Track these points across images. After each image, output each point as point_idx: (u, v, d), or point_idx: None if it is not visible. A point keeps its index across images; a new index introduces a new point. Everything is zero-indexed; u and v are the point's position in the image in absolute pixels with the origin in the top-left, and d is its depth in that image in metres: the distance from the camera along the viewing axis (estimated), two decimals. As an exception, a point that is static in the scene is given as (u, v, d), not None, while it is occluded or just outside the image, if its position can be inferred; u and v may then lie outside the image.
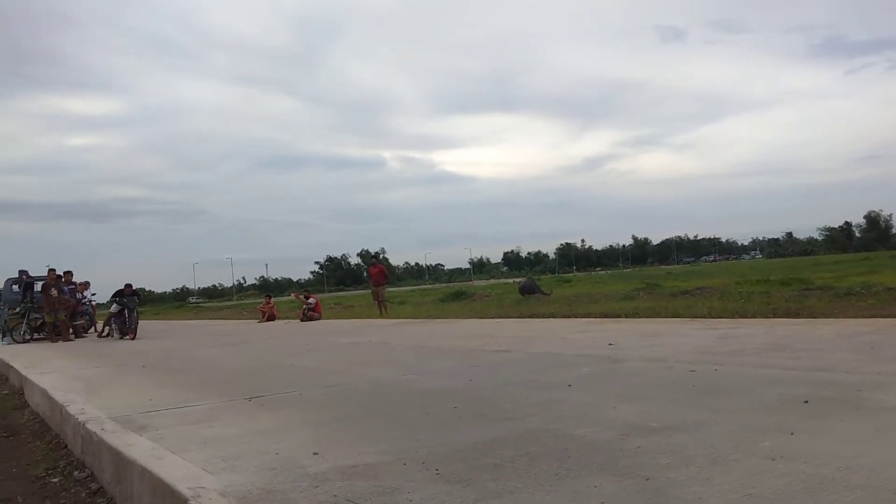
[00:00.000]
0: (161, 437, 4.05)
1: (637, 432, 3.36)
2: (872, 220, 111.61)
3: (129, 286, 16.74)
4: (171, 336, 16.83)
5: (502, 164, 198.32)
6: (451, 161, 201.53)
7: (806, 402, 3.70)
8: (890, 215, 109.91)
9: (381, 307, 19.99)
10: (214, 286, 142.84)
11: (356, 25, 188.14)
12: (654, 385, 4.73)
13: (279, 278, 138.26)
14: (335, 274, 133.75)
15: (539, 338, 8.87)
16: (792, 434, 3.08)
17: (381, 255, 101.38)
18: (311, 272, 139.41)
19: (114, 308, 17.02)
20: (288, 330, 15.78)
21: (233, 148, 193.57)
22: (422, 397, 4.94)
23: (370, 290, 22.67)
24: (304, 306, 19.76)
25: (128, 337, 15.96)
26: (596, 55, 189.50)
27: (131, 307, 16.26)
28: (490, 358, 7.04)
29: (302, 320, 19.10)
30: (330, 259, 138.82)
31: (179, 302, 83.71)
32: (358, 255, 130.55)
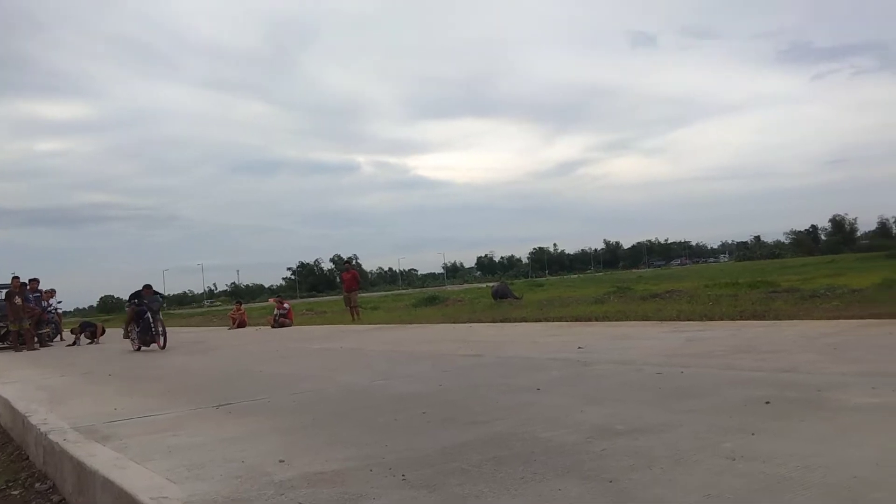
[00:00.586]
0: (125, 446, 3.99)
1: (603, 435, 3.39)
2: (837, 223, 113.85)
3: (148, 287, 13.92)
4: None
5: (476, 168, 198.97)
6: (425, 166, 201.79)
7: (768, 402, 3.76)
8: (855, 219, 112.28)
9: (354, 313, 19.94)
10: (185, 293, 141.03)
11: (330, 30, 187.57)
12: (622, 388, 4.77)
13: (250, 284, 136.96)
14: (307, 280, 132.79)
15: (510, 342, 8.90)
16: (753, 434, 3.13)
17: (354, 261, 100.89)
18: (284, 278, 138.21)
19: (128, 309, 14.44)
20: (259, 337, 15.64)
21: (206, 153, 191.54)
22: (392, 402, 4.92)
23: (342, 296, 22.59)
24: (276, 312, 19.63)
25: (155, 346, 13.16)
26: (568, 60, 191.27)
27: (155, 309, 13.32)
28: (461, 362, 7.04)
29: (273, 327, 18.97)
30: (302, 265, 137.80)
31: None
32: (331, 260, 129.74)
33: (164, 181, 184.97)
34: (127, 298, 14.56)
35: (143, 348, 13.32)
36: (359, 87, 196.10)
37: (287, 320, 19.32)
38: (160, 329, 13.10)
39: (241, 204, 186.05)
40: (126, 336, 13.99)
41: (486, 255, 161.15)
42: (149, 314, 13.15)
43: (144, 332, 13.29)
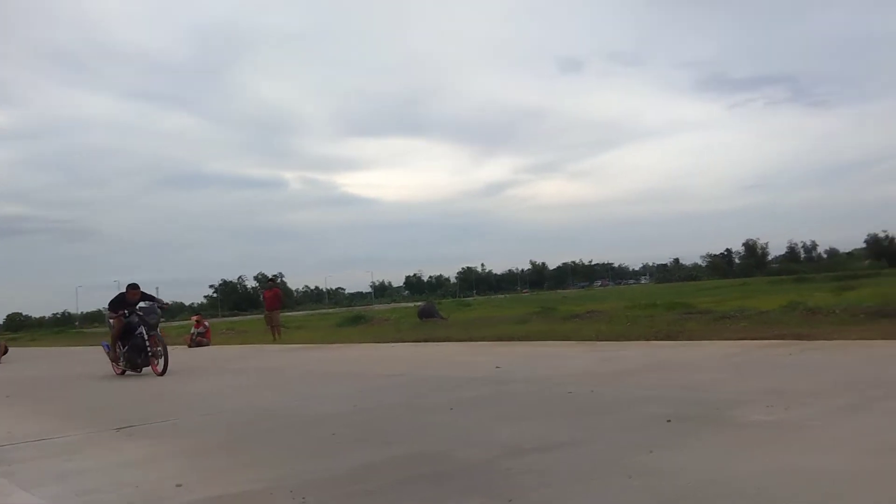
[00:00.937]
0: (12, 472, 3.78)
1: (509, 454, 3.41)
2: (750, 247, 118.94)
3: (134, 289, 10.42)
4: (44, 363, 15.76)
5: (406, 187, 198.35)
6: (355, 183, 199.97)
7: (669, 420, 3.87)
8: (766, 243, 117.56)
9: (275, 332, 19.53)
10: (100, 311, 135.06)
11: (261, 43, 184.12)
12: (533, 406, 4.83)
13: (170, 302, 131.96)
14: (230, 298, 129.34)
15: (430, 362, 8.90)
16: (651, 452, 3.21)
17: (280, 279, 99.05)
18: (205, 296, 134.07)
19: (112, 321, 10.68)
20: (174, 356, 15.08)
21: (130, 165, 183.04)
22: (304, 423, 4.84)
23: (264, 315, 22.11)
24: (194, 331, 19.05)
25: (150, 370, 10.06)
26: (499, 82, 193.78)
27: (152, 323, 10.09)
28: (379, 382, 6.98)
29: (190, 346, 18.37)
30: (225, 282, 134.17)
31: (60, 327, 78.45)
32: (255, 278, 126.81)
33: (84, 193, 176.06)
34: (106, 306, 10.85)
35: (128, 373, 10.31)
36: (289, 103, 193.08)
37: (205, 340, 18.76)
38: (159, 349, 9.96)
39: (164, 218, 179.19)
40: (114, 358, 10.62)
41: (414, 275, 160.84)
42: (142, 329, 9.94)
43: (135, 353, 10.04)
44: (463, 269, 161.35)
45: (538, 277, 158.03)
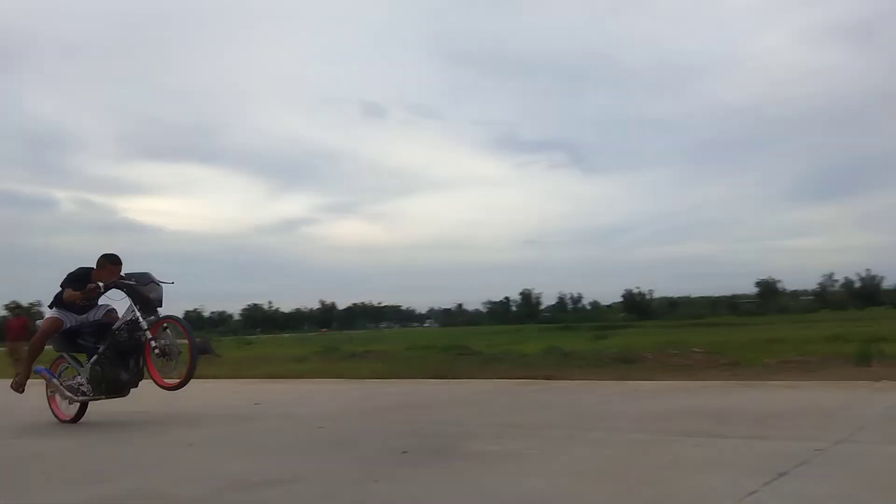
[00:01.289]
0: None
1: (235, 488, 3.27)
2: (526, 296, 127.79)
3: (115, 263, 5.97)
4: None
5: (194, 216, 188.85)
6: (138, 208, 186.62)
7: (405, 452, 3.95)
8: (540, 293, 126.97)
9: (19, 366, 17.35)
10: None
11: (39, 51, 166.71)
12: (279, 441, 4.70)
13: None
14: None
15: (185, 398, 8.32)
16: (377, 481, 3.24)
17: (36, 308, 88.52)
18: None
19: (57, 316, 5.99)
20: None
21: None
22: (12, 461, 4.29)
23: (7, 347, 19.57)
24: None
25: (162, 384, 5.88)
26: (301, 119, 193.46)
27: (153, 299, 5.79)
28: (116, 420, 6.43)
29: None
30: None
31: None
32: (5, 306, 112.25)
33: None
34: (60, 288, 6.01)
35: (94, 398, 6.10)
36: (66, 117, 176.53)
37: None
38: (172, 342, 5.72)
39: None
40: (22, 379, 6.25)
41: (194, 309, 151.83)
42: (136, 313, 5.71)
43: (116, 364, 5.91)
44: (249, 305, 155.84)
45: (327, 317, 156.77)
